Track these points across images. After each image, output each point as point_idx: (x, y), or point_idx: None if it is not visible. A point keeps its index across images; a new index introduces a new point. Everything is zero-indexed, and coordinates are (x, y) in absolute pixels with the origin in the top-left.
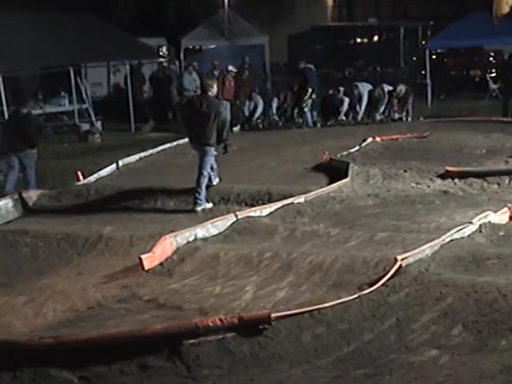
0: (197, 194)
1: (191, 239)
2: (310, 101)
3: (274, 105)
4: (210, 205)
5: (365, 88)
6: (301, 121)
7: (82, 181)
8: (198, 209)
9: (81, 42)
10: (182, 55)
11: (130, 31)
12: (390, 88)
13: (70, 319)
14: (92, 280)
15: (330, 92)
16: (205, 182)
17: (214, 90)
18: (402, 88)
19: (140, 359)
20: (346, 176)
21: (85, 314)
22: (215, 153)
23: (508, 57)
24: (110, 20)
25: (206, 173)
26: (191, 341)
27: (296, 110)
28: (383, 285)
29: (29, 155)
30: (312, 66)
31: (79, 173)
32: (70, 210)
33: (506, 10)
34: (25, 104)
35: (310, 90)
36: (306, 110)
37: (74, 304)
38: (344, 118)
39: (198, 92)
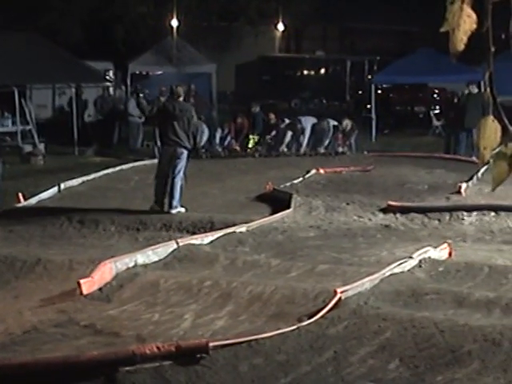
0: (171, 199)
1: (131, 265)
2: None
3: (218, 135)
4: (183, 209)
5: (308, 122)
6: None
7: (23, 203)
8: (173, 211)
9: (26, 63)
10: (128, 80)
11: (77, 54)
12: (335, 123)
13: (5, 343)
14: (28, 303)
15: (271, 119)
16: (179, 185)
17: (182, 96)
18: (347, 123)
19: None
20: (288, 207)
21: (20, 338)
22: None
23: (451, 95)
24: (56, 42)
25: (179, 176)
26: (127, 368)
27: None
28: (322, 317)
29: None
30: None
31: (20, 194)
32: (8, 232)
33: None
34: None
35: (257, 136)
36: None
37: (8, 327)
38: (285, 150)
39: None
